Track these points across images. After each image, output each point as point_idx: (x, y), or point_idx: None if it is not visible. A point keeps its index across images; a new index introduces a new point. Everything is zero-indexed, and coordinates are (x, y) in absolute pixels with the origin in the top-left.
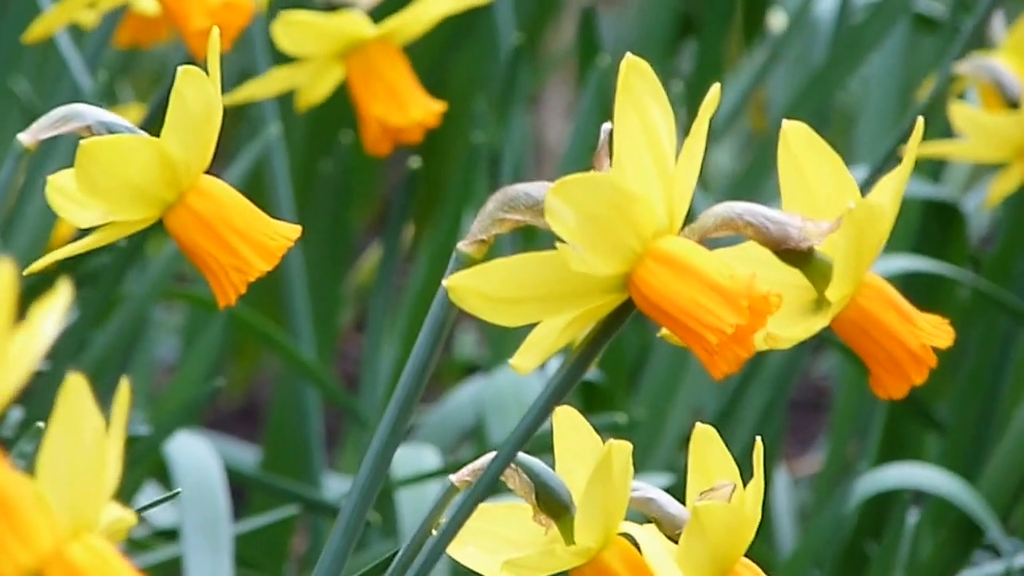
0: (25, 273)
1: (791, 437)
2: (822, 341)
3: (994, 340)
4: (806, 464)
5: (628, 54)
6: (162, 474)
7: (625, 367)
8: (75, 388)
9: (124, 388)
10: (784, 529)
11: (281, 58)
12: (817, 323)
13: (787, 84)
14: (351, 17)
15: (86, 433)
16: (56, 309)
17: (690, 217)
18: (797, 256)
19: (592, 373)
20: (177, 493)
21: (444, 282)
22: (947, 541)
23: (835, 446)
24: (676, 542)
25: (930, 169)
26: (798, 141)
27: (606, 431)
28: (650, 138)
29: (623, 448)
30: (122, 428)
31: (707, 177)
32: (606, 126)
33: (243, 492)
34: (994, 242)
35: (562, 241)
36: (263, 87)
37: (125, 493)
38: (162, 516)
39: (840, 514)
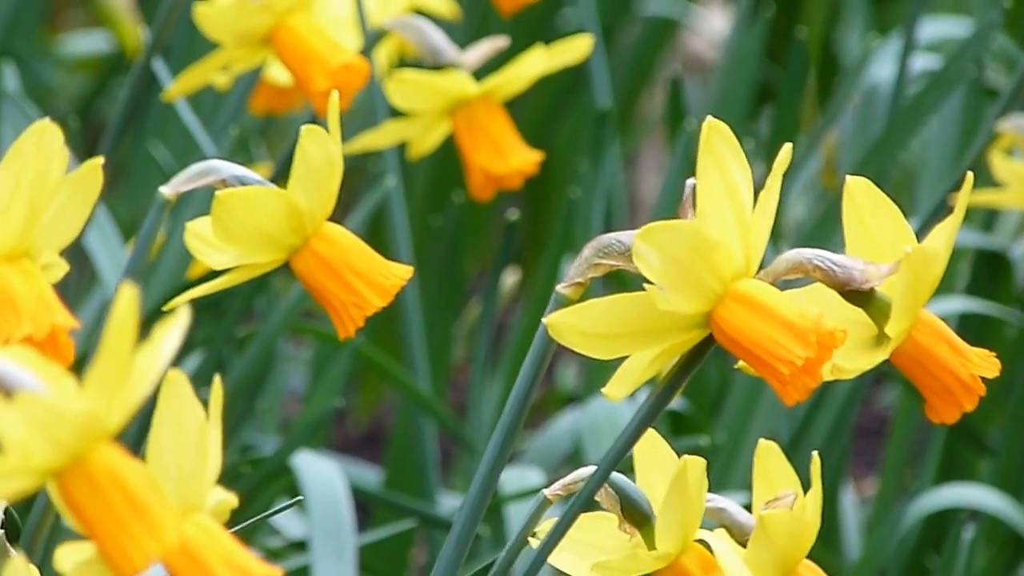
0: (164, 308)
1: (858, 460)
2: (883, 374)
3: None
4: (871, 485)
5: (709, 117)
6: (294, 492)
7: (707, 397)
8: (176, 383)
9: (217, 384)
10: (851, 542)
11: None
12: (878, 356)
13: (854, 147)
14: (456, 76)
15: (188, 424)
16: (176, 330)
17: (765, 262)
18: (860, 296)
19: (678, 402)
20: (299, 500)
21: (544, 320)
22: (999, 555)
23: (893, 468)
24: (745, 547)
25: (982, 220)
26: (861, 193)
27: (690, 453)
28: (729, 190)
29: (698, 463)
30: (218, 419)
31: (784, 228)
32: (690, 181)
33: (368, 508)
34: None
35: (650, 283)
36: (378, 139)
37: (260, 508)
38: (294, 529)
39: (899, 528)
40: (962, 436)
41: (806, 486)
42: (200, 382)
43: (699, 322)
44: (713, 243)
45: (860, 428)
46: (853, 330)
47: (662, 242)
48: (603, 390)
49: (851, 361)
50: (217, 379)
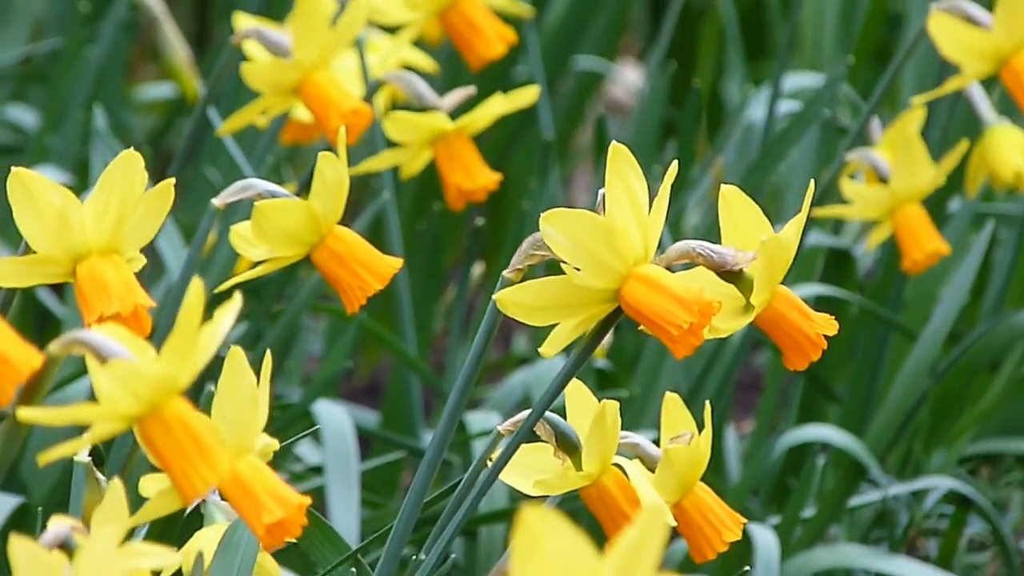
0: (216, 291)
1: (738, 407)
2: (759, 342)
3: (875, 341)
4: (748, 425)
5: (614, 142)
6: (312, 429)
7: (625, 359)
8: (236, 356)
9: (268, 358)
10: (733, 469)
11: (393, 144)
12: (745, 320)
13: (736, 170)
14: (436, 116)
15: (244, 386)
16: (231, 313)
17: (660, 251)
18: (731, 275)
19: (603, 363)
20: (316, 429)
21: (494, 296)
22: (843, 477)
23: (765, 412)
24: (654, 472)
25: (833, 227)
26: (733, 198)
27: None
28: (629, 195)
29: (613, 406)
30: (268, 382)
31: (683, 232)
32: (601, 190)
33: (368, 443)
34: (874, 276)
35: (567, 263)
36: (377, 163)
37: (284, 442)
38: (312, 457)
39: (769, 458)
40: (817, 389)
41: (700, 427)
42: (243, 346)
43: (610, 297)
44: (614, 230)
45: (740, 383)
46: (726, 301)
47: (565, 224)
48: (539, 349)
49: (725, 324)
50: (268, 355)
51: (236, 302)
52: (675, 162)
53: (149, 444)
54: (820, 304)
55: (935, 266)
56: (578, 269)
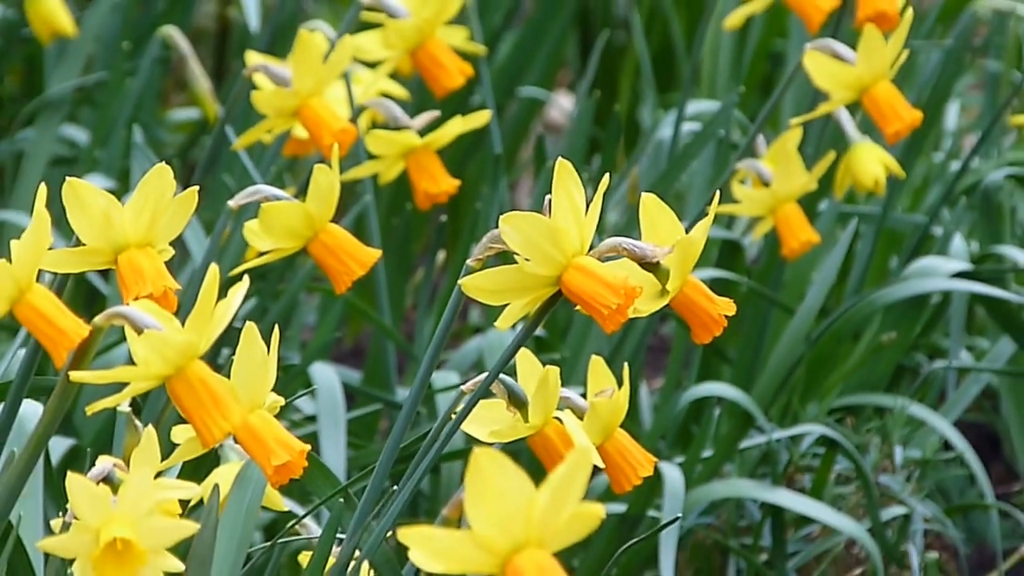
0: (230, 275)
1: (650, 367)
2: (665, 315)
3: (760, 315)
4: (658, 383)
5: (560, 158)
6: (308, 385)
7: (558, 328)
8: (251, 331)
9: (276, 333)
10: (645, 418)
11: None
12: (661, 303)
13: (648, 178)
14: (408, 134)
15: (256, 353)
16: (240, 293)
17: (593, 246)
18: (651, 266)
19: (540, 331)
20: (312, 390)
21: (459, 281)
22: (735, 425)
23: (672, 372)
24: (582, 420)
25: (725, 222)
26: (651, 204)
27: (548, 364)
28: (570, 201)
29: (554, 371)
30: (276, 352)
31: (605, 227)
32: (548, 196)
33: (353, 396)
34: (759, 261)
35: (519, 255)
36: (360, 171)
37: (286, 396)
38: (308, 408)
39: (675, 409)
40: (713, 353)
41: (619, 384)
42: (251, 319)
43: (552, 282)
44: (557, 229)
45: (651, 347)
46: (646, 287)
47: (519, 223)
48: (495, 323)
49: (645, 306)
50: (276, 331)
51: (245, 284)
52: (607, 176)
53: (175, 399)
54: (715, 285)
55: (808, 254)
56: (528, 260)
